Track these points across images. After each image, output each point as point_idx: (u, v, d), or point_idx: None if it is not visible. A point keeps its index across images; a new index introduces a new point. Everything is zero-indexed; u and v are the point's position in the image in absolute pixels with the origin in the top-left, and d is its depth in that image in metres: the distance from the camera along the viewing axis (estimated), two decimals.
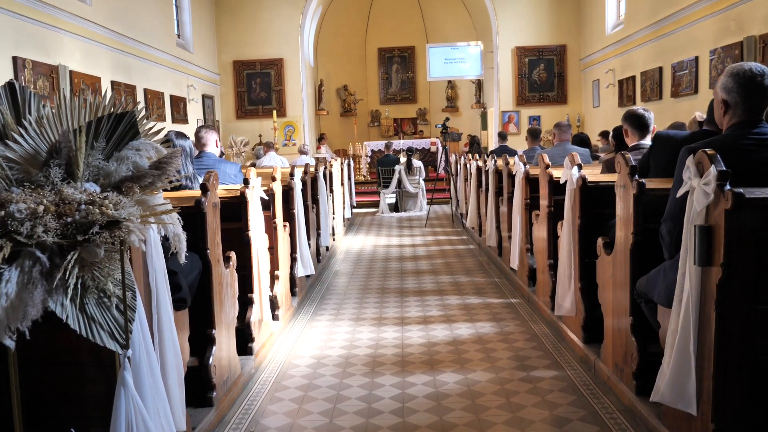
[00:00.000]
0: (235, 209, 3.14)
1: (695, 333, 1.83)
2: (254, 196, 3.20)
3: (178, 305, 2.14)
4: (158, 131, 1.81)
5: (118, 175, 1.66)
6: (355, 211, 10.92)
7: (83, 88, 7.41)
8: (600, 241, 2.79)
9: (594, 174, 3.29)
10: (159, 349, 1.85)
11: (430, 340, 3.56)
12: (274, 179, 3.81)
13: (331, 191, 7.09)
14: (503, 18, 13.25)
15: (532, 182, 4.39)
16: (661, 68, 9.44)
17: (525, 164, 4.41)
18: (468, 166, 7.96)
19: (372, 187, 12.66)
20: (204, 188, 2.48)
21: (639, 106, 3.27)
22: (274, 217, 3.81)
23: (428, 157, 14.32)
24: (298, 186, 4.48)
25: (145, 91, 9.27)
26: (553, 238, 3.78)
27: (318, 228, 5.72)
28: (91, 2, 7.64)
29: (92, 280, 1.54)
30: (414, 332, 3.73)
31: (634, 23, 10.35)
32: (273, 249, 3.84)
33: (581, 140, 5.83)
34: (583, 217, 3.08)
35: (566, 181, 3.22)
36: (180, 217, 1.75)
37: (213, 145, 4.06)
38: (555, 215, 3.77)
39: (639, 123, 3.29)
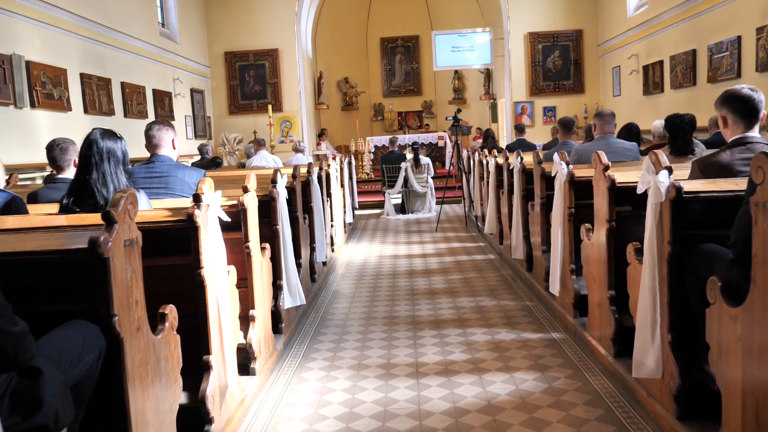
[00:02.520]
0: (183, 237, 2.24)
1: None
2: (210, 218, 2.29)
3: None
4: None
5: None
6: (357, 212, 10.01)
7: (44, 81, 6.55)
8: (715, 283, 1.87)
9: (684, 181, 2.37)
10: None
11: (456, 404, 2.66)
12: (246, 190, 2.91)
13: (329, 195, 6.18)
14: (515, 2, 12.27)
15: (576, 186, 3.47)
16: (694, 51, 8.46)
17: (568, 164, 3.48)
18: (484, 163, 7.03)
19: (376, 185, 11.74)
20: (108, 218, 1.57)
21: (743, 85, 2.33)
22: (246, 239, 2.91)
23: (435, 153, 13.40)
24: (282, 195, 3.57)
25: (123, 84, 8.38)
26: (615, 262, 2.87)
27: (312, 242, 4.81)
28: None
29: None
30: (434, 389, 2.83)
31: (660, 3, 9.36)
32: (247, 281, 2.95)
33: (629, 131, 4.84)
34: (676, 243, 2.16)
35: (645, 191, 2.30)
36: None
37: (169, 146, 3.16)
38: (616, 232, 2.86)
39: (745, 108, 2.36)
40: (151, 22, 9.59)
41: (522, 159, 4.76)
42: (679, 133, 4.21)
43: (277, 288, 3.51)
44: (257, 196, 3.38)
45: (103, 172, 2.39)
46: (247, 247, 2.90)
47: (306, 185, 4.81)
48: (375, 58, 16.71)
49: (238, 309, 2.65)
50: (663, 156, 2.22)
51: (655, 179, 2.19)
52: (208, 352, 2.26)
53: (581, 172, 3.50)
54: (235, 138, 12.16)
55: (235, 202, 2.88)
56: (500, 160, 5.92)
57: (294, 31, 12.34)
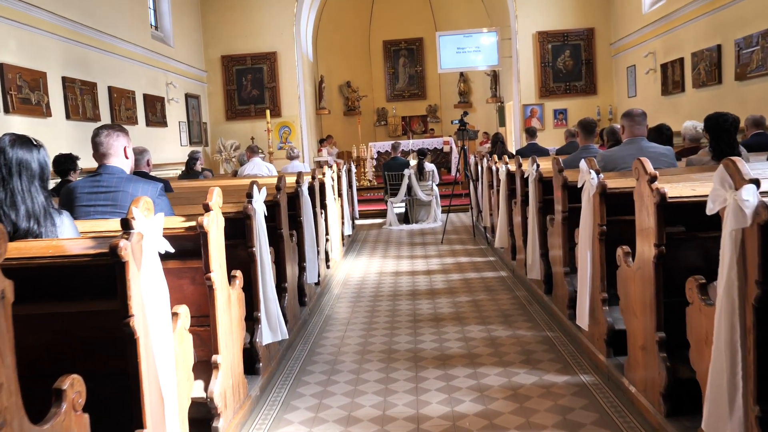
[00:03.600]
0: (107, 275, 1.71)
1: None
2: (145, 250, 1.75)
3: None
4: None
5: None
6: (359, 222, 9.47)
7: (20, 85, 6.07)
8: None
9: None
10: None
11: None
12: (207, 209, 2.37)
13: (323, 206, 5.64)
14: (522, 0, 11.74)
15: (608, 199, 2.91)
16: (719, 46, 7.88)
17: (598, 173, 2.92)
18: (494, 170, 6.47)
19: (379, 193, 11.19)
20: None
21: None
22: (207, 270, 2.36)
23: (441, 158, 12.87)
24: (259, 211, 3.04)
25: (110, 89, 7.90)
26: (662, 293, 2.30)
27: (302, 261, 4.27)
28: None
29: None
30: None
31: None
32: (211, 318, 2.41)
33: (660, 133, 4.25)
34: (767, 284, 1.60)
35: (721, 212, 1.74)
36: None
37: (120, 154, 2.63)
38: (666, 258, 2.29)
39: None
40: (142, 24, 9.13)
41: (538, 166, 4.21)
42: (722, 135, 3.63)
43: (254, 321, 2.97)
44: (231, 213, 2.86)
45: (13, 190, 1.87)
46: (209, 279, 2.36)
47: (294, 197, 4.28)
48: (378, 61, 16.24)
49: (191, 360, 2.11)
50: (744, 165, 1.66)
51: (736, 196, 1.63)
52: (141, 425, 1.72)
53: (614, 182, 2.94)
54: (231, 144, 11.67)
55: (193, 223, 2.35)
56: (512, 167, 5.37)
57: (293, 33, 11.87)
